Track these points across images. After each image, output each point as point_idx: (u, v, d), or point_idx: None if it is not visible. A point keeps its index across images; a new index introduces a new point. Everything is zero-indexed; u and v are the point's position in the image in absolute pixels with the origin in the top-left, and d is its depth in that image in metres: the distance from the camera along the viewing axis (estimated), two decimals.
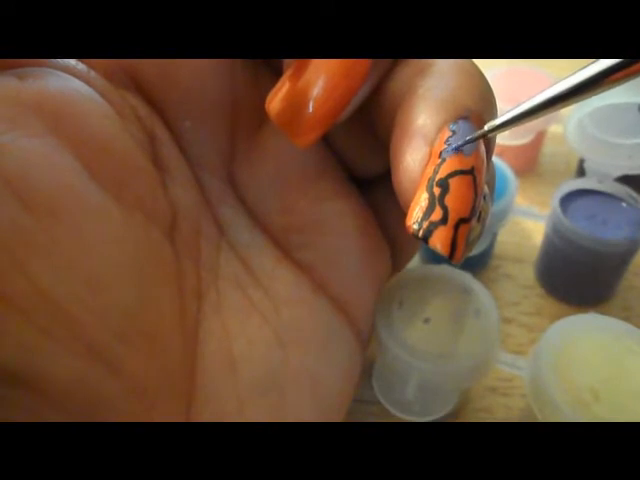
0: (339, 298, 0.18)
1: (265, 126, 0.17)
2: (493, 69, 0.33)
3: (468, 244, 0.13)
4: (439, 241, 0.12)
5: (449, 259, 0.12)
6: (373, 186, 0.19)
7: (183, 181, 0.16)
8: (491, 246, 0.29)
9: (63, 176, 0.12)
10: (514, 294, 0.28)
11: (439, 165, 0.12)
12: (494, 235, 0.28)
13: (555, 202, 0.26)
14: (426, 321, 0.20)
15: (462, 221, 0.12)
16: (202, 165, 0.17)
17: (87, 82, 0.14)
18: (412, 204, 0.13)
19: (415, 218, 0.12)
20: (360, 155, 0.18)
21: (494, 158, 0.21)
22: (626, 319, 0.19)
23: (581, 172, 0.31)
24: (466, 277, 0.21)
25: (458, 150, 0.12)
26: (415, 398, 0.20)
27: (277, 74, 0.15)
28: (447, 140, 0.13)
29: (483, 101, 0.14)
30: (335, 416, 0.17)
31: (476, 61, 0.14)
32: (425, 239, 0.12)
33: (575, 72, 0.11)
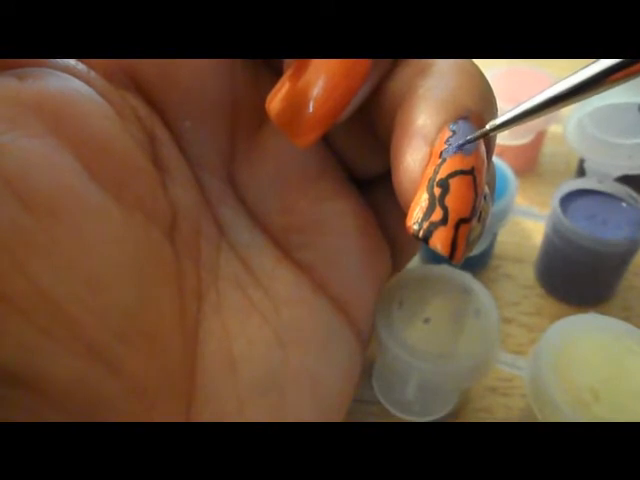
0: (339, 298, 0.18)
1: (265, 126, 0.17)
2: (493, 69, 0.33)
3: (468, 244, 0.13)
4: (439, 241, 0.12)
5: (449, 259, 0.12)
6: (373, 186, 0.19)
7: (183, 181, 0.16)
8: (491, 246, 0.29)
9: (63, 176, 0.12)
10: (514, 294, 0.28)
11: (439, 165, 0.12)
12: (494, 235, 0.28)
13: (555, 202, 0.26)
14: (426, 321, 0.20)
15: (462, 221, 0.12)
16: (202, 165, 0.17)
17: (87, 82, 0.14)
18: (412, 204, 0.13)
19: (415, 218, 0.12)
20: (360, 155, 0.18)
21: (494, 158, 0.21)
22: (626, 319, 0.19)
23: (581, 172, 0.31)
24: (466, 277, 0.21)
25: (458, 150, 0.12)
26: (415, 398, 0.20)
27: (277, 74, 0.15)
28: (447, 140, 0.13)
29: (483, 101, 0.14)
30: (335, 416, 0.17)
31: (476, 61, 0.14)
32: (425, 239, 0.12)
33: (575, 72, 0.11)
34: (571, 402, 0.17)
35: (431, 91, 0.13)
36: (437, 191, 0.12)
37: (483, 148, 0.13)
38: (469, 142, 0.13)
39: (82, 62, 0.15)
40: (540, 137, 0.34)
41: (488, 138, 0.13)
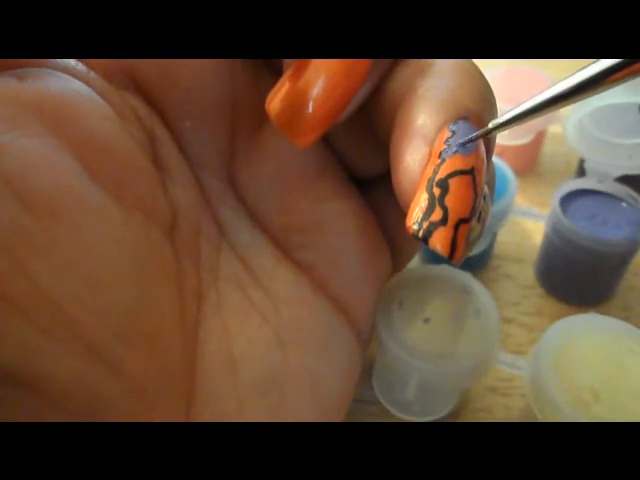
0: (339, 298, 0.18)
1: (265, 126, 0.17)
2: (493, 69, 0.33)
3: (468, 244, 0.13)
4: (439, 241, 0.12)
5: (449, 259, 0.12)
6: (373, 186, 0.19)
7: (183, 181, 0.16)
8: (491, 246, 0.29)
9: (63, 176, 0.12)
10: (514, 294, 0.28)
11: (439, 165, 0.12)
12: (494, 235, 0.28)
13: (555, 202, 0.26)
14: (426, 321, 0.20)
15: (462, 221, 0.12)
16: (202, 165, 0.17)
17: (87, 83, 0.14)
18: (412, 204, 0.13)
19: (415, 218, 0.12)
20: (360, 155, 0.18)
21: (494, 158, 0.21)
22: (626, 319, 0.19)
23: (581, 172, 0.31)
24: (466, 277, 0.21)
25: (458, 150, 0.12)
26: (415, 398, 0.20)
27: (277, 74, 0.15)
28: (447, 140, 0.13)
29: (483, 101, 0.14)
30: (335, 416, 0.17)
31: (476, 61, 0.14)
32: (425, 239, 0.12)
33: (575, 72, 0.11)
34: (571, 402, 0.17)
35: (431, 91, 0.13)
36: (437, 191, 0.12)
37: (483, 148, 0.13)
38: (469, 142, 0.13)
39: (82, 62, 0.15)
40: (540, 137, 0.34)
41: (488, 138, 0.13)
